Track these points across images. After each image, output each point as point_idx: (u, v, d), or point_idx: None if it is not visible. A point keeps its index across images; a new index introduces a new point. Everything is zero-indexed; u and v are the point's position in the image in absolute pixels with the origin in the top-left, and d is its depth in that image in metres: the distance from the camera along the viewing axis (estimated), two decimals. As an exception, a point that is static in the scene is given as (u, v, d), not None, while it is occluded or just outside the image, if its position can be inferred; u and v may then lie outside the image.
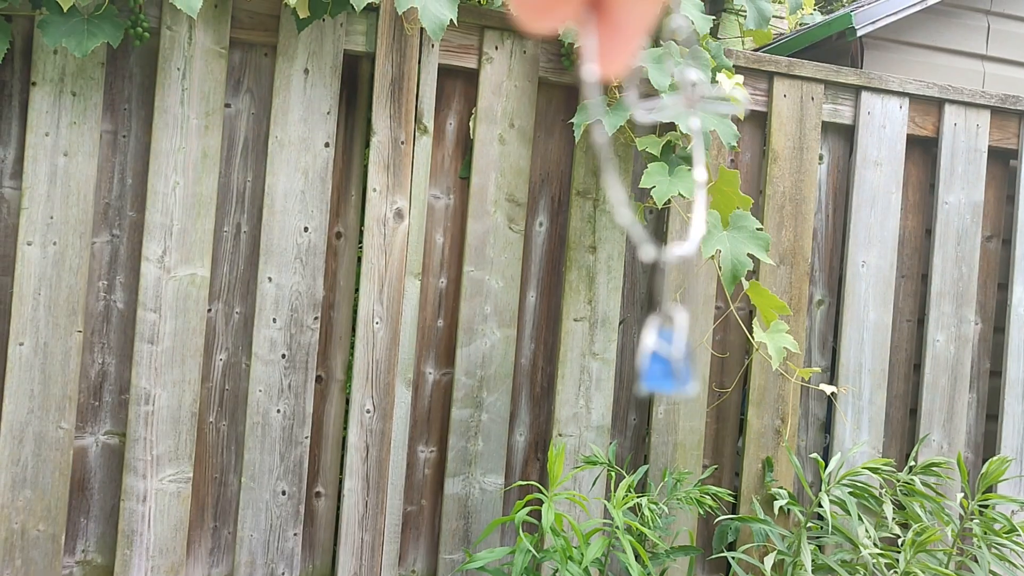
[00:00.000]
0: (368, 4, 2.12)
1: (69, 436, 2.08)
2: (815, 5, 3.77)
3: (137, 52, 2.15)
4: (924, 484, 2.54)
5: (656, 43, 2.34)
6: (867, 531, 2.36)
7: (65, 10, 1.97)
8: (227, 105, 2.21)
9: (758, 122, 2.62)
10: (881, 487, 2.54)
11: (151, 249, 2.12)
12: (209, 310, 2.19)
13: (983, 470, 2.48)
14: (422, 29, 2.27)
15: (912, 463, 2.61)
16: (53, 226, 2.06)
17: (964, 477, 2.50)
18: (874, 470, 2.43)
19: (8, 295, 2.07)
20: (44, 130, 2.05)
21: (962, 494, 2.50)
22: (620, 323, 2.49)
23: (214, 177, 2.16)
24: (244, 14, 2.19)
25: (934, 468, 2.53)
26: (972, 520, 2.45)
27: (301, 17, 2.16)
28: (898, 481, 2.52)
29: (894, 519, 2.46)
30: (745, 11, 2.67)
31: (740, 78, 2.37)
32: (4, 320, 2.08)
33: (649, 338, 0.45)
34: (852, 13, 2.80)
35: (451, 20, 2.09)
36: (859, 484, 2.42)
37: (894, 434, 2.76)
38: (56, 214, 2.06)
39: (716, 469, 2.58)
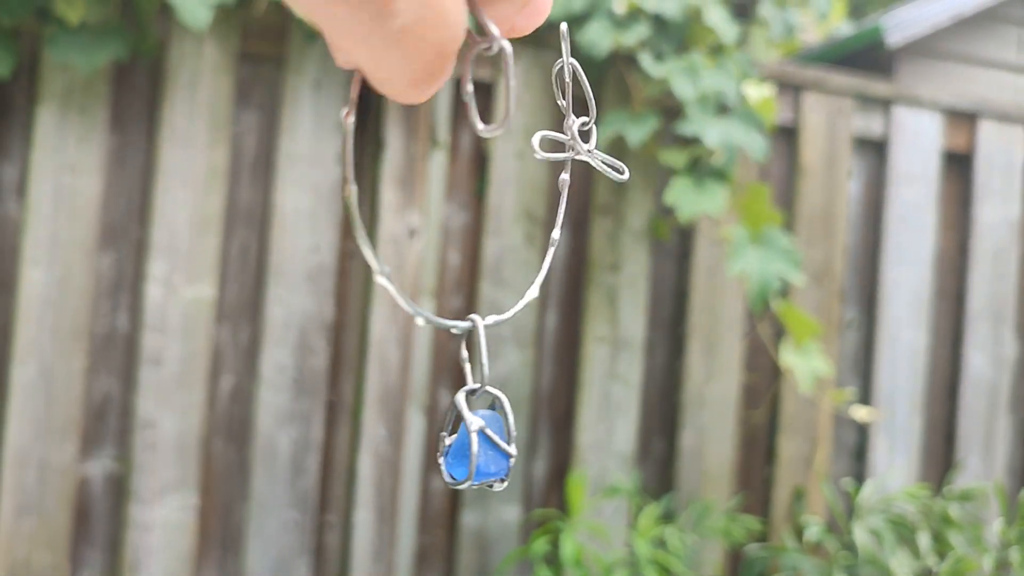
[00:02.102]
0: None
1: (73, 462, 2.02)
2: (846, 14, 3.69)
3: (144, 67, 2.09)
4: (960, 511, 2.46)
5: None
6: (901, 562, 2.28)
7: (73, 25, 1.93)
8: (235, 120, 2.15)
9: (785, 136, 2.55)
10: (917, 515, 2.46)
11: (156, 269, 2.05)
12: (215, 332, 2.13)
13: (1022, 497, 2.42)
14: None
15: (948, 489, 2.53)
16: (58, 246, 2.00)
17: (1003, 504, 2.44)
18: (909, 496, 2.36)
19: (9, 317, 2.01)
20: (50, 147, 2.00)
21: (1000, 521, 2.44)
22: (644, 345, 2.41)
23: (221, 194, 2.10)
24: (253, 27, 2.14)
25: (970, 495, 2.46)
26: (1011, 549, 2.38)
27: (312, 30, 2.10)
28: (933, 509, 2.44)
29: (930, 548, 2.39)
30: (771, 23, 2.60)
31: (769, 90, 2.29)
32: (4, 343, 2.01)
33: (474, 421, 0.40)
34: (882, 25, 2.72)
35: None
36: (893, 513, 2.35)
37: (930, 460, 2.67)
38: (61, 233, 2.00)
39: (744, 498, 2.49)
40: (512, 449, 0.40)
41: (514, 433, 0.40)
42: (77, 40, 1.94)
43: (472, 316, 0.41)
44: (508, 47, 0.34)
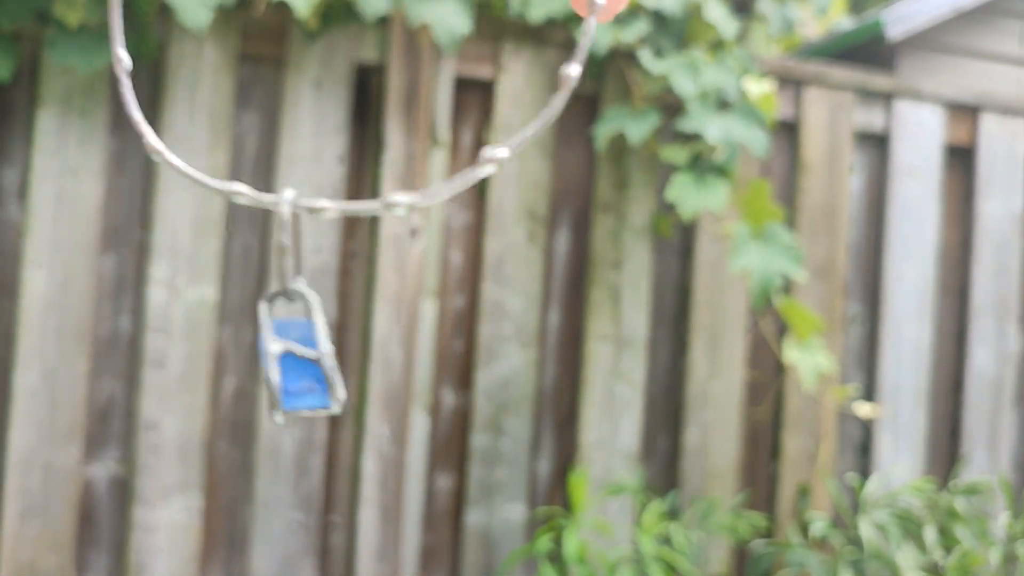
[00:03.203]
0: (380, 16, 2.06)
1: (77, 465, 2.02)
2: (846, 9, 3.68)
3: (145, 69, 2.09)
4: (966, 505, 2.45)
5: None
6: (907, 556, 2.28)
7: (73, 28, 1.93)
8: (235, 121, 2.15)
9: (786, 131, 2.54)
10: (923, 509, 2.46)
11: (158, 271, 2.05)
12: (218, 333, 2.13)
13: (1027, 490, 2.42)
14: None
15: (953, 484, 2.53)
16: (60, 248, 2.00)
17: (1008, 498, 2.43)
18: (915, 491, 2.35)
19: (12, 320, 2.01)
20: (51, 150, 2.00)
21: (1006, 514, 2.43)
22: (647, 343, 2.41)
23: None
24: (253, 28, 2.13)
25: (976, 489, 2.46)
26: (1017, 542, 2.37)
27: (311, 30, 2.10)
28: (939, 503, 2.44)
29: (936, 541, 2.39)
30: (771, 18, 2.59)
31: (769, 85, 2.28)
32: (7, 346, 2.01)
33: (272, 341, 0.34)
34: (883, 19, 2.71)
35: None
36: (898, 507, 2.34)
37: (935, 454, 2.66)
38: (63, 236, 2.00)
39: (749, 495, 2.48)
40: (329, 355, 0.37)
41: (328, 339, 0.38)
42: (77, 42, 1.94)
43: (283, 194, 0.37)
44: None
